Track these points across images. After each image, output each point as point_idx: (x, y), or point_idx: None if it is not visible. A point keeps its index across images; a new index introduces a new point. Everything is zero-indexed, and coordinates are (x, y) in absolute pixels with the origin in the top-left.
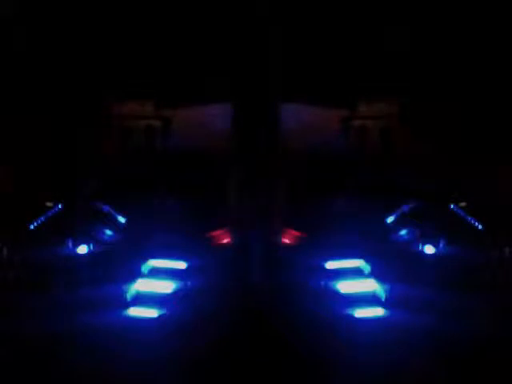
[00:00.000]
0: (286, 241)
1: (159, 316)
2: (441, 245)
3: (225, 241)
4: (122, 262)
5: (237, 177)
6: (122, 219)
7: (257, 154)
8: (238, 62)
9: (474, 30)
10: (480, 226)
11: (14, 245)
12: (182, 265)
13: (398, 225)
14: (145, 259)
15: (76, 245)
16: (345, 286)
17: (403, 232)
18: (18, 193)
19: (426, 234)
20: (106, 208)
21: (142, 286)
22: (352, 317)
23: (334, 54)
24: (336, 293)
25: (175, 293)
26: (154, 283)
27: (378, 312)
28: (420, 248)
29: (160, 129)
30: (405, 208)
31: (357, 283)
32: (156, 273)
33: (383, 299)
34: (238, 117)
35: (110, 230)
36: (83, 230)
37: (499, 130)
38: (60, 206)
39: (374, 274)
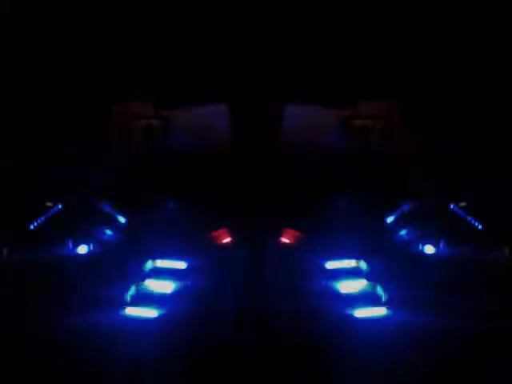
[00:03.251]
0: (286, 241)
1: (159, 316)
2: (441, 245)
3: (225, 241)
4: (122, 261)
5: (236, 176)
6: (122, 219)
7: (256, 154)
8: (238, 62)
9: (474, 30)
10: (480, 226)
11: (14, 245)
12: (182, 265)
13: (397, 225)
14: (145, 259)
15: (76, 245)
16: (345, 286)
17: (403, 232)
18: (18, 193)
19: (426, 234)
20: (106, 208)
21: (142, 285)
22: (352, 316)
23: (334, 54)
24: (336, 293)
25: (175, 293)
26: (154, 283)
27: (377, 312)
28: (420, 248)
29: (160, 129)
30: (405, 208)
31: (357, 283)
32: (156, 273)
33: (383, 299)
34: (237, 117)
35: (110, 229)
36: (83, 230)
37: (499, 129)
38: (60, 206)
39: (374, 274)
